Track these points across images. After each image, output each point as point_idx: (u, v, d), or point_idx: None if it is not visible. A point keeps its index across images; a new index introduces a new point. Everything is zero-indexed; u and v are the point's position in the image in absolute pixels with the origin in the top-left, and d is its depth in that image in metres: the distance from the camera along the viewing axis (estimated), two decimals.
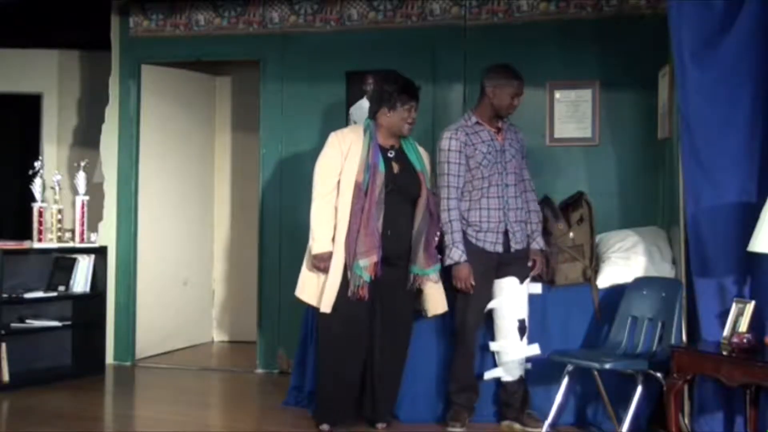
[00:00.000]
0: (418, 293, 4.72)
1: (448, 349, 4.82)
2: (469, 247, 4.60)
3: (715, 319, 4.09)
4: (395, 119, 4.66)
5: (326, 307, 4.55)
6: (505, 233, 4.64)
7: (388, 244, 4.55)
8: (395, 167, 4.65)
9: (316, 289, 4.62)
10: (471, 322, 4.65)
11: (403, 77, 4.74)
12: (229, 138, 7.66)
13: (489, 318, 4.74)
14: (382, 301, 4.62)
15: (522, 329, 4.65)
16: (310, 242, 4.61)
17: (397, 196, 4.61)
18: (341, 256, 4.54)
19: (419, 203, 4.65)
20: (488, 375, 4.72)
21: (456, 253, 4.56)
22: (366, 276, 4.48)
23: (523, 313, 4.67)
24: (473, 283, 4.55)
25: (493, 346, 4.71)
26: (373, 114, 4.73)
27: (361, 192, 4.53)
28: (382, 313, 4.64)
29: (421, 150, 4.84)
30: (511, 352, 4.65)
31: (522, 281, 4.68)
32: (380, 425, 4.69)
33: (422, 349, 4.91)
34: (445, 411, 4.80)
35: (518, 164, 4.74)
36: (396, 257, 4.61)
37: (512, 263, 4.66)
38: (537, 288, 4.78)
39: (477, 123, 4.70)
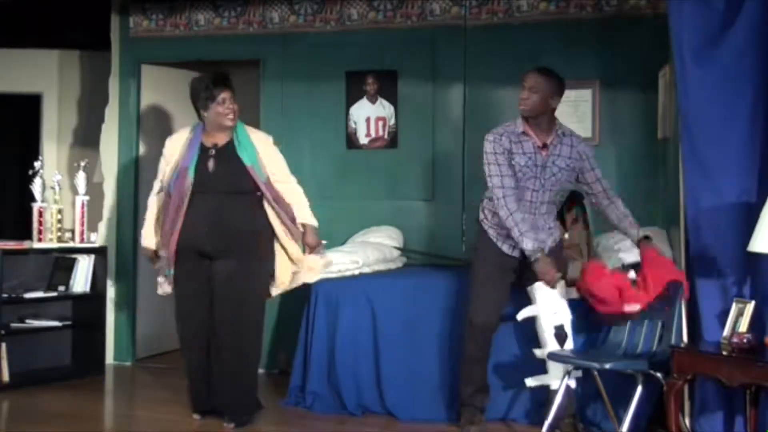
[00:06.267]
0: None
1: (451, 350, 4.81)
2: (488, 244, 4.57)
3: (715, 319, 4.09)
4: (212, 117, 4.80)
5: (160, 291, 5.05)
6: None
7: (206, 241, 4.73)
8: (210, 165, 4.77)
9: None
10: (480, 321, 4.54)
11: (210, 73, 4.89)
12: None
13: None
14: (216, 293, 4.77)
15: (560, 336, 4.48)
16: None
17: (218, 194, 4.74)
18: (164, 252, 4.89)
19: (266, 197, 4.79)
20: (531, 382, 4.55)
21: (528, 243, 4.36)
22: (167, 269, 4.86)
23: (561, 319, 4.50)
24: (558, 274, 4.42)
25: (537, 353, 4.56)
26: (198, 116, 4.90)
27: (168, 195, 4.81)
28: (217, 306, 4.77)
29: (256, 138, 4.88)
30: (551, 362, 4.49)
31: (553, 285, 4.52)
32: (228, 425, 4.76)
33: (421, 348, 4.92)
34: (448, 411, 4.81)
35: (562, 182, 4.55)
36: (221, 251, 4.74)
37: None
38: (573, 292, 4.57)
39: (523, 133, 4.50)
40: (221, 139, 4.84)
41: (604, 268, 4.34)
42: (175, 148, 4.87)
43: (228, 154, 4.81)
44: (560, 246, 4.66)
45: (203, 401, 4.95)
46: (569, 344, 4.49)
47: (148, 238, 4.98)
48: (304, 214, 4.93)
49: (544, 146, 4.49)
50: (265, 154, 4.87)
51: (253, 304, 4.81)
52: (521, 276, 4.58)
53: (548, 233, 4.57)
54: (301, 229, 4.90)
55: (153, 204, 4.99)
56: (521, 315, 4.55)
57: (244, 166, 4.78)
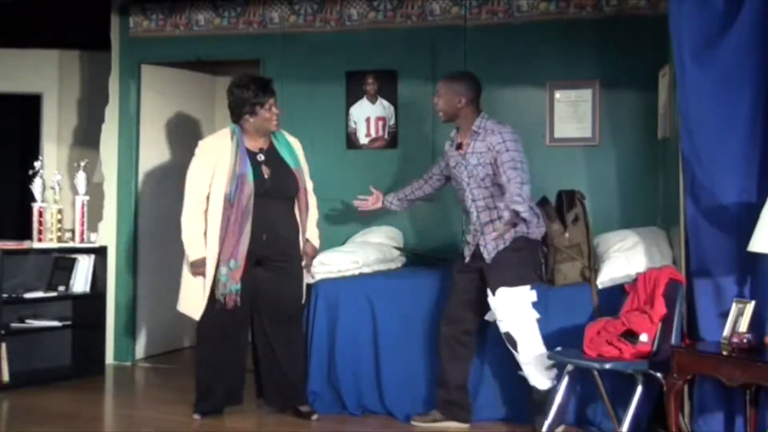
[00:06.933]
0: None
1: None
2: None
3: (715, 319, 4.09)
4: (259, 122, 4.84)
5: (196, 314, 4.86)
6: (477, 245, 4.67)
7: (265, 248, 4.78)
8: (265, 172, 4.81)
9: (183, 297, 4.94)
10: (443, 317, 4.75)
11: (254, 78, 4.90)
12: None
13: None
14: (266, 298, 4.85)
15: (510, 342, 4.52)
16: (186, 252, 4.86)
17: (271, 200, 4.80)
18: (211, 265, 4.78)
19: (301, 201, 4.91)
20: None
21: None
22: (232, 285, 4.71)
23: (505, 326, 4.51)
24: None
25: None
26: (236, 120, 4.87)
27: (228, 203, 4.73)
28: (268, 309, 4.87)
29: (293, 142, 5.01)
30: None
31: (494, 291, 4.53)
32: (313, 416, 4.91)
33: (421, 348, 4.94)
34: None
35: (482, 175, 4.60)
36: (277, 258, 4.83)
37: (488, 274, 4.60)
38: (531, 296, 4.57)
39: (454, 136, 4.84)
40: (264, 144, 4.90)
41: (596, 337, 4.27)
42: (220, 154, 4.81)
43: (275, 159, 4.88)
44: (508, 251, 4.58)
45: (214, 400, 4.95)
46: (521, 351, 4.49)
47: (201, 248, 4.82)
48: (313, 232, 5.04)
49: (460, 146, 4.72)
50: (302, 159, 5.01)
51: (300, 303, 4.97)
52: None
53: (478, 231, 4.66)
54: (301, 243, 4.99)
55: (200, 216, 4.82)
56: (487, 317, 4.66)
57: (291, 170, 4.88)
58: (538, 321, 4.57)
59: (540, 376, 4.55)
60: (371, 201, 5.23)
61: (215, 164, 4.80)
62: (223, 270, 4.74)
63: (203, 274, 4.81)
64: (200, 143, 4.97)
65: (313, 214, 5.07)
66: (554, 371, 4.53)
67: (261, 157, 4.85)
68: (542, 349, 4.52)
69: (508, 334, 4.53)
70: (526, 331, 4.52)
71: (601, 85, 5.67)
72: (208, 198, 4.81)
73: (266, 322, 4.91)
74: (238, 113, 4.86)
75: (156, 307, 6.77)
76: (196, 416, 4.94)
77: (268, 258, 4.84)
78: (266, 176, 4.82)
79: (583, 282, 4.80)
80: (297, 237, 4.94)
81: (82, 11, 6.57)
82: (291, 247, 4.91)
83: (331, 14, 6.22)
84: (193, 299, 4.87)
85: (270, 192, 4.81)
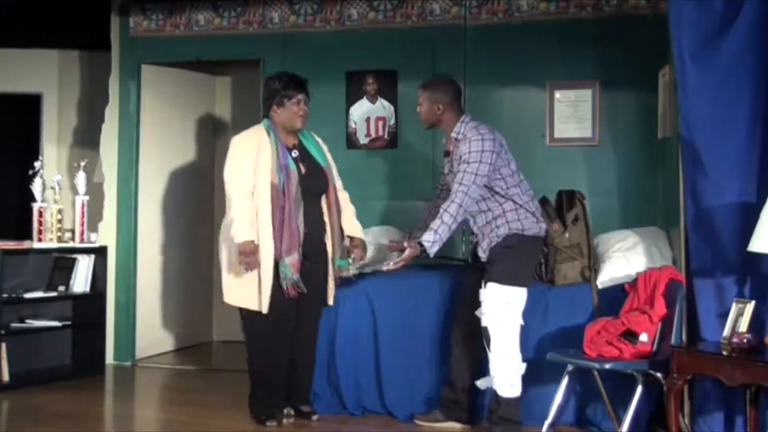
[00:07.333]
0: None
1: (450, 350, 4.80)
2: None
3: (715, 319, 4.09)
4: (286, 115, 4.82)
5: (265, 307, 4.68)
6: (475, 244, 4.73)
7: (306, 242, 4.75)
8: (302, 168, 4.81)
9: (239, 290, 4.75)
10: (454, 318, 4.78)
11: (288, 74, 4.90)
12: (229, 138, 7.62)
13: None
14: (304, 293, 4.77)
15: (486, 339, 4.49)
16: (234, 238, 4.64)
17: (307, 197, 4.78)
18: (269, 256, 4.67)
19: (330, 200, 4.88)
20: (480, 383, 4.62)
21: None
22: (292, 275, 4.66)
23: (487, 320, 4.48)
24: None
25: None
26: (266, 113, 4.89)
27: (279, 192, 4.67)
28: (300, 307, 4.81)
29: (320, 142, 5.02)
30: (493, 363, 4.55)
31: (485, 285, 4.52)
32: (314, 416, 4.91)
33: (422, 348, 4.94)
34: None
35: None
36: (314, 254, 4.81)
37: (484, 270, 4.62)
38: (520, 299, 4.51)
39: (445, 143, 4.83)
40: (294, 141, 4.90)
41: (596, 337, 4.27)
42: (260, 146, 4.74)
43: (307, 157, 4.88)
44: (500, 247, 4.58)
45: (281, 403, 4.89)
46: (494, 349, 4.45)
47: (250, 232, 4.62)
48: (356, 226, 5.02)
49: (447, 153, 4.75)
50: (330, 158, 5.01)
51: (325, 303, 4.97)
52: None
53: (479, 233, 4.69)
54: (347, 242, 4.97)
55: (251, 207, 4.66)
56: (477, 312, 4.60)
57: (322, 168, 4.88)
58: (522, 327, 4.52)
59: (504, 382, 4.48)
60: (400, 242, 4.81)
61: (256, 157, 4.73)
62: (287, 260, 4.65)
63: (251, 265, 4.61)
64: (235, 138, 4.90)
65: (351, 209, 5.03)
66: (521, 384, 4.49)
67: (295, 153, 4.84)
68: (516, 355, 4.49)
69: (486, 330, 4.49)
70: (504, 332, 4.47)
71: (601, 85, 5.68)
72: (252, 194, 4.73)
73: (300, 318, 4.86)
74: (268, 105, 4.87)
75: (156, 307, 6.78)
76: (271, 423, 4.78)
77: (308, 253, 4.79)
78: (303, 173, 4.81)
79: (583, 282, 4.81)
80: (325, 236, 4.91)
81: (82, 11, 6.57)
82: (322, 245, 4.89)
83: (331, 14, 6.22)
84: (255, 291, 4.70)
85: (306, 189, 4.79)
